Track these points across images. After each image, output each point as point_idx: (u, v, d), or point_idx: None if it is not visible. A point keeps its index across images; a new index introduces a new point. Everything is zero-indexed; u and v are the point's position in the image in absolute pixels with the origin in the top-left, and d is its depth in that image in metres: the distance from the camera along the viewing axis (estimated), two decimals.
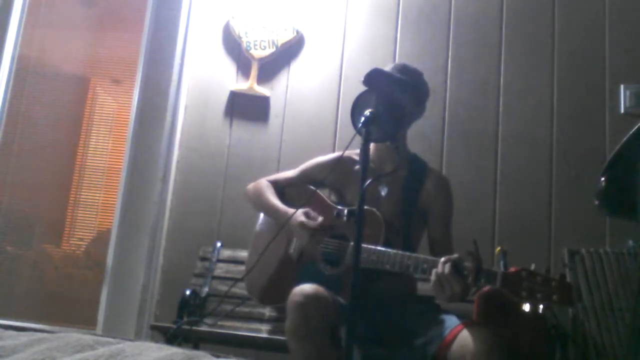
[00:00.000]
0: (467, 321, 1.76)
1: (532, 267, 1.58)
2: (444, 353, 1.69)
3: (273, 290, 2.06)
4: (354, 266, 1.50)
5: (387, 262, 1.79)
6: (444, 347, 1.70)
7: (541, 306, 1.52)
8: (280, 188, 2.21)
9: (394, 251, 1.80)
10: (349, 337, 1.46)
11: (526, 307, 1.54)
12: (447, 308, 1.96)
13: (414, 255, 1.78)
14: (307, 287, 1.74)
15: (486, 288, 1.98)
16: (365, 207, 1.65)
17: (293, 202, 2.13)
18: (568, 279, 2.25)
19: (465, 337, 1.67)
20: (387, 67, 2.08)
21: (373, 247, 1.81)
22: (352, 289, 1.47)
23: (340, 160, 2.10)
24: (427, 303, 1.99)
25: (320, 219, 2.00)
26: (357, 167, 2.01)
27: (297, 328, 1.70)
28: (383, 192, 2.02)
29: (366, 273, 1.55)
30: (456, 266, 1.65)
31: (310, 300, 1.70)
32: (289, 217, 2.00)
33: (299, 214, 2.00)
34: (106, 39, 3.32)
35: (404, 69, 2.08)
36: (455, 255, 1.69)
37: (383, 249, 1.82)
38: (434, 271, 1.68)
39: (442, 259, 1.69)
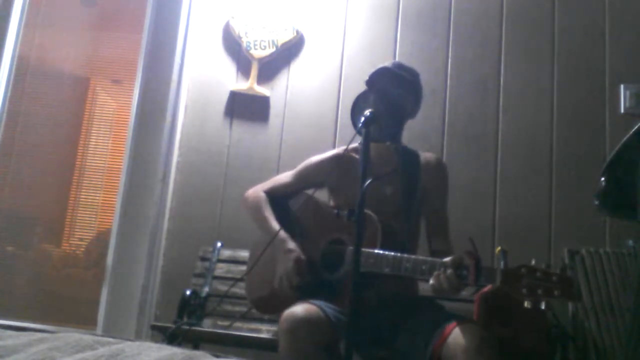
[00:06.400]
0: (460, 319, 1.75)
1: (532, 262, 1.57)
2: (438, 351, 1.69)
3: (271, 300, 2.03)
4: (354, 269, 1.48)
5: (385, 265, 1.76)
6: (439, 345, 1.69)
7: (543, 302, 1.51)
8: (278, 198, 2.17)
9: (392, 254, 1.77)
10: (349, 338, 1.45)
11: (527, 304, 1.53)
12: (448, 308, 1.96)
13: (412, 257, 1.75)
14: (297, 310, 1.70)
15: (486, 288, 1.98)
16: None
17: (289, 211, 2.12)
18: None
19: (457, 334, 1.66)
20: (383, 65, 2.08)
21: (370, 250, 1.78)
22: (352, 292, 1.46)
23: (339, 160, 2.09)
24: (428, 304, 1.98)
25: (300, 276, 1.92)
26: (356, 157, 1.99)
27: (289, 354, 1.68)
28: (383, 192, 2.01)
29: (366, 277, 1.53)
30: (457, 270, 1.64)
31: (301, 324, 1.67)
32: (273, 237, 1.97)
33: (289, 263, 1.93)
34: (106, 39, 3.32)
35: (401, 67, 2.07)
36: (453, 257, 1.68)
37: (381, 252, 1.79)
38: (434, 274, 1.67)
39: (441, 261, 1.68)
